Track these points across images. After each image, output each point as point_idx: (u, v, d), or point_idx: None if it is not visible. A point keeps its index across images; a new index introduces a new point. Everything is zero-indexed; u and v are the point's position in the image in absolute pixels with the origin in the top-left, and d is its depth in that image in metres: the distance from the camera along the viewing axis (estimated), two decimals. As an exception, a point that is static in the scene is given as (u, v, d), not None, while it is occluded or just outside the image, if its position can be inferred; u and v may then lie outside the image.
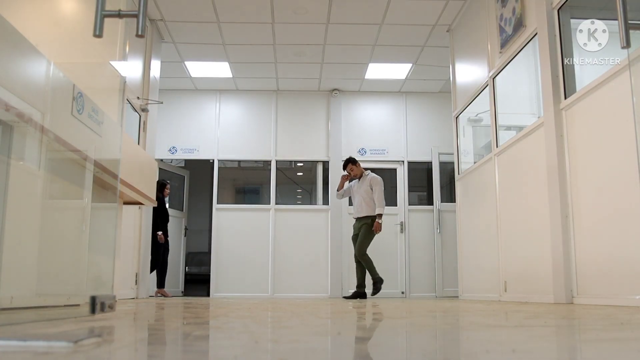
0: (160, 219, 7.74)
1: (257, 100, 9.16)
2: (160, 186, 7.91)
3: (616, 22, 2.48)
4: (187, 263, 9.72)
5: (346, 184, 7.39)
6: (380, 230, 6.97)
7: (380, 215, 6.99)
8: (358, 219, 7.13)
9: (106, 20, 1.92)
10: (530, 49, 5.03)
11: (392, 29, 7.08)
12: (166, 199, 8.05)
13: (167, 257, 7.85)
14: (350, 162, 7.27)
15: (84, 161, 2.49)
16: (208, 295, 8.39)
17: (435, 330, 1.92)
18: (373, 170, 9.65)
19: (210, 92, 9.13)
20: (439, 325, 2.17)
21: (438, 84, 8.85)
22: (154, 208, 7.76)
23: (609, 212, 3.72)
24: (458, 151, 6.95)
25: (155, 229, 7.65)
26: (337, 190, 7.45)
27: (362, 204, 7.07)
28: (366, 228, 6.97)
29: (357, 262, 7.02)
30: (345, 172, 7.27)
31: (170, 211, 9.04)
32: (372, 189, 7.05)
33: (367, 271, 6.96)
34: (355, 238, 7.16)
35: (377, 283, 6.87)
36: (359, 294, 6.92)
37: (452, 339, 1.69)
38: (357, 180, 7.27)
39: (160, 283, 7.72)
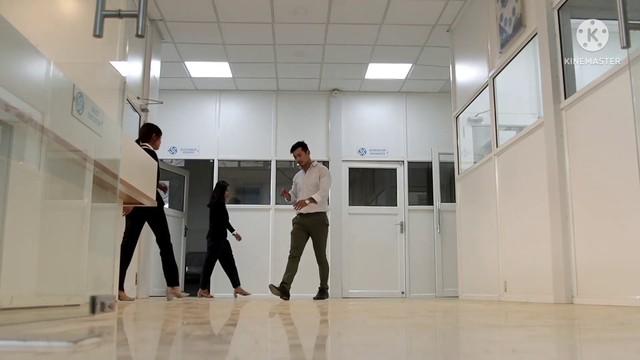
0: (223, 222, 7.74)
1: (257, 100, 9.17)
2: (221, 188, 7.84)
3: (616, 22, 2.48)
4: (187, 263, 9.71)
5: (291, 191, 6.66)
6: (300, 207, 6.15)
7: (312, 199, 6.14)
8: (305, 216, 6.26)
9: (106, 20, 1.92)
10: (530, 49, 5.03)
11: (392, 29, 7.08)
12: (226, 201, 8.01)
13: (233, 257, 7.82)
14: (300, 146, 6.41)
15: (84, 161, 2.49)
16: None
17: (435, 330, 1.92)
18: (373, 170, 9.71)
19: (210, 92, 9.13)
20: (439, 325, 2.17)
21: (438, 84, 8.85)
22: (216, 211, 7.74)
23: (609, 212, 3.72)
24: (458, 151, 6.95)
25: (219, 232, 7.64)
26: (289, 200, 6.59)
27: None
28: (321, 229, 6.26)
29: (293, 257, 6.20)
30: (282, 190, 6.59)
31: (170, 211, 9.04)
32: (319, 180, 6.29)
33: (320, 278, 6.31)
34: (298, 232, 6.29)
35: (326, 290, 6.33)
36: (285, 291, 6.08)
37: (452, 339, 1.69)
38: (302, 172, 6.51)
39: (236, 282, 7.66)
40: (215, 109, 9.11)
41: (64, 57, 2.65)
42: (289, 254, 6.30)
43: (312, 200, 6.16)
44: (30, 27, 2.27)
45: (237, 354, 1.22)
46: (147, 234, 7.17)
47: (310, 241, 6.34)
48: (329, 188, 6.40)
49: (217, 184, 8.02)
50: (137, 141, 5.76)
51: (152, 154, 5.60)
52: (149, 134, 5.78)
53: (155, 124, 6.82)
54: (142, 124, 6.78)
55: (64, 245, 2.52)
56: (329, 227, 6.44)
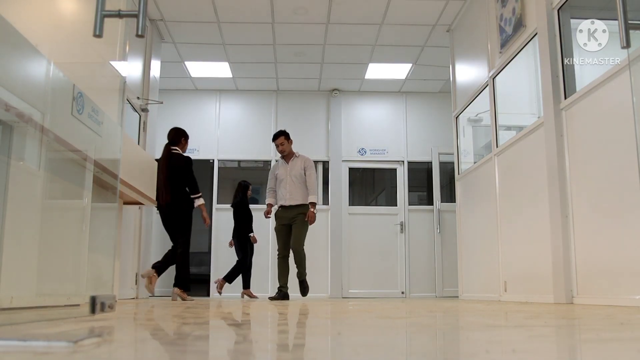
0: (247, 221, 7.69)
1: (257, 100, 9.16)
2: (244, 188, 7.80)
3: (616, 22, 2.48)
4: (187, 263, 9.68)
5: (269, 207, 6.42)
6: (314, 221, 6.07)
7: (314, 204, 6.05)
8: (288, 208, 6.10)
9: (106, 20, 1.92)
10: (530, 49, 5.03)
11: (392, 29, 7.08)
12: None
13: (252, 258, 7.75)
14: (283, 135, 6.21)
15: (84, 161, 2.49)
16: (208, 295, 8.38)
17: (435, 330, 1.92)
18: (373, 170, 9.71)
19: (210, 92, 9.13)
20: (439, 325, 2.17)
21: (438, 84, 8.85)
22: (239, 211, 7.69)
23: (609, 212, 3.72)
24: (458, 151, 6.95)
25: (244, 232, 7.58)
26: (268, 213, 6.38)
27: (295, 189, 6.08)
28: (302, 218, 6.05)
29: (282, 257, 6.14)
30: (267, 205, 6.37)
31: (170, 211, 9.02)
32: (305, 172, 6.11)
33: (297, 267, 6.09)
34: (282, 229, 6.16)
35: (305, 280, 6.11)
36: (285, 294, 6.09)
37: (452, 339, 1.69)
38: (281, 162, 6.30)
39: (247, 284, 7.60)
40: (215, 109, 9.12)
41: (64, 57, 2.65)
42: (277, 253, 6.22)
43: (314, 205, 6.04)
44: (30, 27, 2.27)
45: (237, 354, 1.22)
46: (146, 234, 7.17)
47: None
48: (317, 182, 6.25)
49: (239, 183, 7.89)
50: (167, 145, 5.98)
51: (187, 159, 5.88)
52: (179, 138, 6.00)
53: (149, 123, 6.89)
54: (142, 124, 6.78)
55: (64, 245, 2.52)
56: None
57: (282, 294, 6.03)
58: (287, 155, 6.27)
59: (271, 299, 6.12)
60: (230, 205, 7.94)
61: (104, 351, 1.20)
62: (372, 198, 10.41)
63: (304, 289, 6.12)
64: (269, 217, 6.51)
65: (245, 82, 8.89)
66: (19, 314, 1.94)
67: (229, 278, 7.53)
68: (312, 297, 7.85)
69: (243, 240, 7.61)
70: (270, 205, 6.39)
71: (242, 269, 7.55)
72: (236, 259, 7.66)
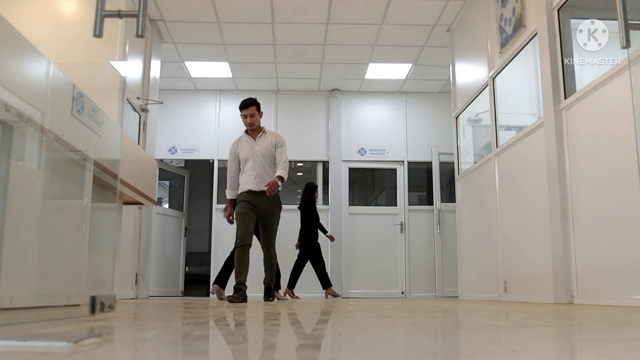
0: (315, 223, 7.63)
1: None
2: (312, 190, 7.73)
3: (616, 22, 2.48)
4: (187, 263, 9.71)
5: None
6: (274, 192, 4.96)
7: (281, 178, 5.03)
8: (257, 193, 5.10)
9: (106, 20, 1.92)
10: (530, 49, 5.03)
11: (392, 29, 7.08)
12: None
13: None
14: (255, 105, 5.25)
15: (84, 161, 2.49)
16: (208, 295, 8.37)
17: (435, 330, 1.92)
18: (373, 170, 9.71)
19: (210, 92, 9.13)
20: (439, 325, 2.17)
21: (438, 84, 8.85)
22: (307, 213, 7.58)
23: (609, 212, 3.72)
24: (458, 151, 6.95)
25: (311, 233, 7.50)
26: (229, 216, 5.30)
27: (263, 171, 5.14)
28: (277, 213, 5.22)
29: (244, 246, 5.03)
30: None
31: (170, 211, 9.05)
32: (275, 150, 5.20)
33: (266, 272, 5.21)
34: (248, 213, 5.08)
35: (272, 289, 5.31)
36: (245, 294, 4.92)
37: (452, 339, 1.69)
38: (245, 138, 5.32)
39: (327, 283, 7.53)
40: (215, 109, 9.11)
41: (64, 57, 2.65)
42: (236, 242, 5.18)
43: (281, 179, 5.03)
44: (30, 27, 2.27)
45: (237, 354, 1.22)
46: (146, 234, 7.17)
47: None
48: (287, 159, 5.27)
49: (306, 185, 7.77)
50: None
51: None
52: None
53: (149, 123, 6.97)
54: (142, 124, 6.79)
55: (64, 245, 2.52)
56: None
57: (242, 294, 4.85)
58: (254, 131, 5.30)
59: (231, 300, 4.84)
60: (297, 207, 7.82)
61: (104, 351, 1.20)
62: (372, 198, 10.41)
63: (269, 296, 5.27)
64: (233, 222, 5.31)
65: (245, 82, 8.89)
66: (19, 314, 1.94)
67: (292, 284, 7.44)
68: (312, 297, 7.84)
69: (309, 242, 7.51)
70: (231, 203, 5.32)
71: (297, 268, 7.45)
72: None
